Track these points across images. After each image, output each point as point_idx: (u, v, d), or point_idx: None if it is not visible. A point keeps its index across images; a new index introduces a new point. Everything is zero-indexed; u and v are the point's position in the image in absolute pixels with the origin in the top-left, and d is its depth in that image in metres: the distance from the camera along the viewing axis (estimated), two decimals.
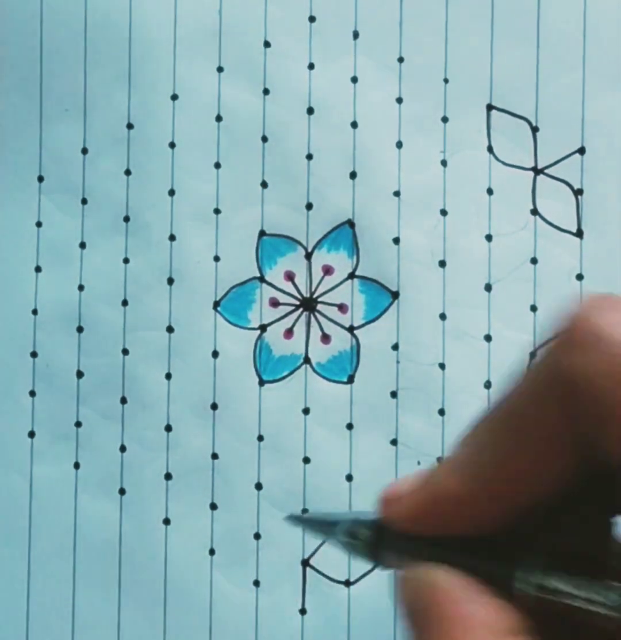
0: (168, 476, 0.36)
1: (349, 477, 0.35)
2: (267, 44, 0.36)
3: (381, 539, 0.28)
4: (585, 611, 0.23)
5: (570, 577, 0.24)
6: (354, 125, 0.35)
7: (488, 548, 0.26)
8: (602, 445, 0.22)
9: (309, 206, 0.36)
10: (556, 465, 0.24)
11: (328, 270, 0.36)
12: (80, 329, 0.37)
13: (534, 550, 0.25)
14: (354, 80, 0.36)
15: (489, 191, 0.35)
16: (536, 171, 0.35)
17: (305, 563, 0.35)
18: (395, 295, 0.35)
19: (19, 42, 0.37)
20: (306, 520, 0.32)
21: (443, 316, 0.35)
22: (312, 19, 0.36)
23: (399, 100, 0.35)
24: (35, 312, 0.37)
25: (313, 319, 0.36)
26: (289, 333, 0.36)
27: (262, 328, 0.36)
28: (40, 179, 0.37)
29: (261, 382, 0.36)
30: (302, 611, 0.35)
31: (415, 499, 0.27)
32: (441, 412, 0.35)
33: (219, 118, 0.36)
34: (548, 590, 0.24)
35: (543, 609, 0.24)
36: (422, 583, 0.27)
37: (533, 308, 0.34)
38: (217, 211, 0.36)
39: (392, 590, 0.28)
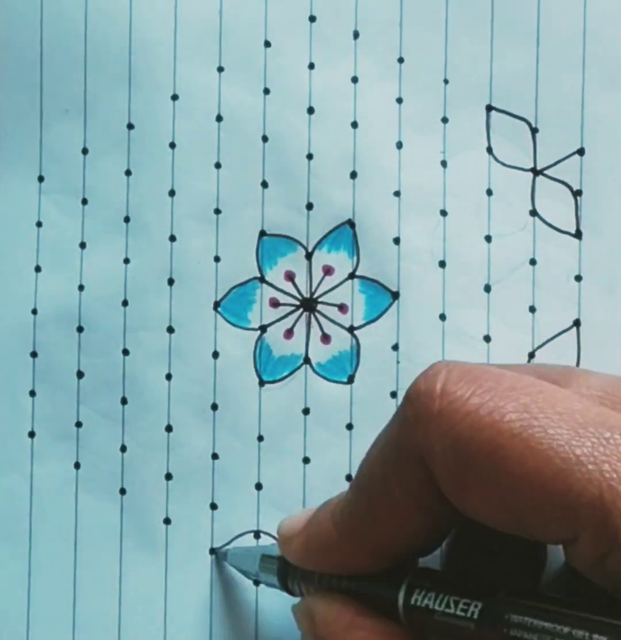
0: (168, 476, 0.36)
1: (349, 478, 0.35)
2: (267, 44, 0.36)
3: (286, 571, 0.30)
4: (449, 625, 0.25)
5: (435, 594, 0.26)
6: (354, 125, 0.36)
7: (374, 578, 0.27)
8: (456, 502, 0.24)
9: (309, 206, 0.36)
10: (420, 520, 0.26)
11: (328, 271, 0.36)
12: (80, 329, 0.37)
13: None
14: (355, 80, 0.36)
15: (489, 192, 0.35)
16: (536, 172, 0.35)
17: None
18: (395, 295, 0.35)
19: (19, 43, 0.37)
20: (229, 556, 0.34)
21: (442, 316, 0.35)
22: (312, 18, 0.36)
23: (399, 101, 0.35)
24: (35, 312, 0.37)
25: (313, 319, 0.36)
26: (289, 333, 0.36)
27: (263, 328, 0.36)
28: (41, 179, 0.37)
29: (261, 383, 0.36)
30: None
31: (301, 539, 0.29)
32: None
33: (219, 118, 0.36)
34: (416, 608, 0.26)
35: (417, 625, 0.26)
36: (304, 612, 0.29)
37: (532, 309, 0.34)
38: (217, 211, 0.36)
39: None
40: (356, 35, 0.36)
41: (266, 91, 0.36)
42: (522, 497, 0.23)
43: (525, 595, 0.25)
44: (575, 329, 0.34)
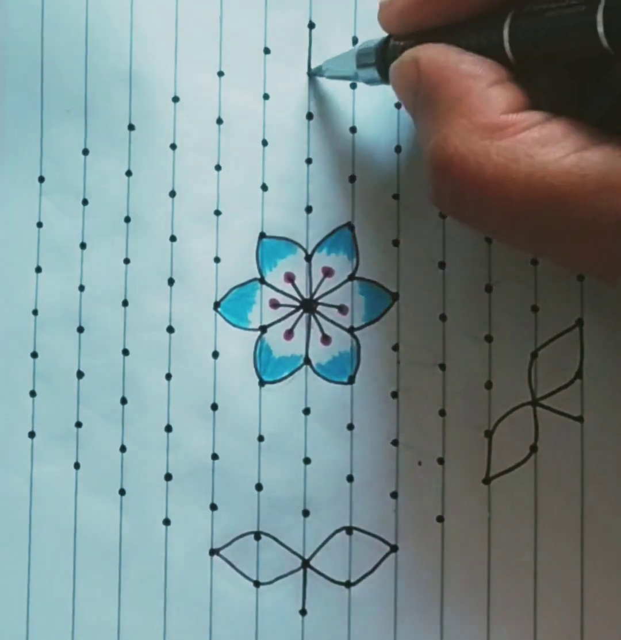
0: (168, 476, 0.36)
1: (349, 478, 0.35)
2: (267, 50, 0.36)
3: (385, 55, 0.30)
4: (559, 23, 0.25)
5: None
6: (353, 130, 0.36)
7: (474, 24, 0.28)
8: None
9: (308, 209, 0.36)
10: None
11: (327, 272, 0.36)
12: (80, 330, 0.37)
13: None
14: (353, 86, 0.36)
15: None
16: None
17: (305, 564, 0.35)
18: (395, 296, 0.35)
19: (20, 43, 0.37)
20: (325, 70, 0.35)
21: (443, 317, 0.35)
22: (311, 25, 0.36)
23: (398, 106, 0.36)
24: (35, 312, 0.37)
25: (313, 320, 0.36)
26: (289, 334, 0.36)
27: (263, 329, 0.36)
28: (41, 179, 0.37)
29: (261, 383, 0.36)
30: (303, 612, 0.35)
31: None
32: (442, 412, 0.35)
33: (219, 121, 0.36)
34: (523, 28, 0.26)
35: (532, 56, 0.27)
36: (410, 59, 0.29)
37: (534, 308, 0.35)
38: (217, 213, 0.36)
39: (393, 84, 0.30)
40: (354, 41, 0.36)
41: (266, 96, 0.36)
42: None
43: None
44: (578, 328, 0.35)
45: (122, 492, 0.36)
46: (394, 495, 0.35)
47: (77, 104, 0.37)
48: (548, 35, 0.26)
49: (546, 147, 0.25)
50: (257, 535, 0.36)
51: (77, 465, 0.36)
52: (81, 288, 0.37)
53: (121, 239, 0.36)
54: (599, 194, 0.24)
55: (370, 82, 0.32)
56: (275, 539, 0.35)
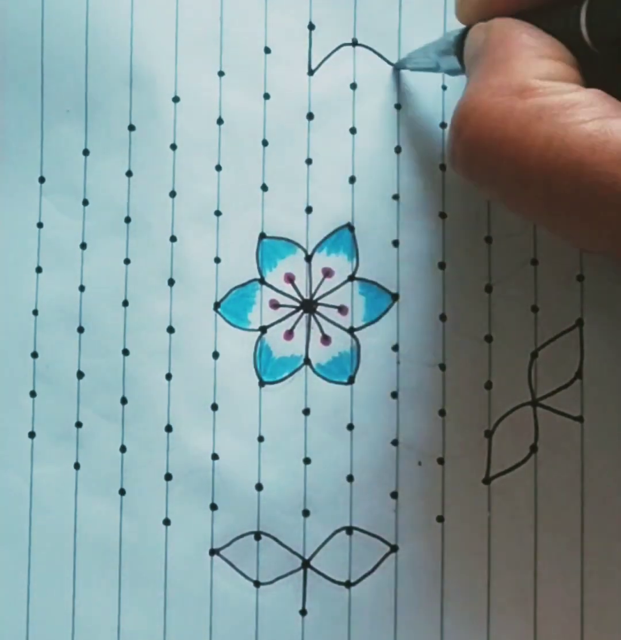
0: (168, 477, 0.36)
1: (350, 478, 0.35)
2: (267, 50, 0.36)
3: (464, 43, 0.30)
4: None
5: None
6: (353, 131, 0.36)
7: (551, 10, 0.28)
8: None
9: (308, 210, 0.36)
10: None
11: (327, 273, 0.36)
12: (80, 330, 0.37)
13: None
14: (354, 86, 0.36)
15: None
16: None
17: (306, 564, 0.35)
18: (395, 297, 0.35)
19: (20, 43, 0.37)
20: (409, 62, 0.35)
21: (443, 317, 0.35)
22: (311, 26, 0.36)
23: (398, 107, 0.36)
24: (35, 312, 0.37)
25: (313, 320, 0.36)
26: (289, 334, 0.36)
27: (263, 329, 0.36)
28: (42, 179, 0.37)
29: (261, 383, 0.36)
30: (303, 612, 0.35)
31: None
32: (442, 412, 0.35)
33: (220, 121, 0.36)
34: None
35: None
36: (484, 27, 0.29)
37: (534, 308, 0.35)
38: (218, 213, 0.36)
39: None
40: (355, 42, 0.36)
41: (266, 96, 0.36)
42: None
43: None
44: (578, 328, 0.35)
45: (122, 492, 0.36)
46: (394, 495, 0.35)
47: (78, 104, 0.37)
48: None
49: (571, 109, 0.25)
50: (258, 535, 0.36)
51: (77, 466, 0.36)
52: (81, 288, 0.37)
53: (121, 239, 0.37)
54: (620, 161, 0.24)
55: (452, 72, 0.32)
56: (275, 539, 0.35)
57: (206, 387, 0.36)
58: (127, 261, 0.36)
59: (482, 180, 0.27)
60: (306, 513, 0.35)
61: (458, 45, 0.31)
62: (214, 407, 0.36)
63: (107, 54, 0.36)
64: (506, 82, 0.26)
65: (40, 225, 0.37)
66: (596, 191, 0.24)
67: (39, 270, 0.37)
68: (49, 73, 0.37)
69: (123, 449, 0.36)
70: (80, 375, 0.37)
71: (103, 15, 0.37)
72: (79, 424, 0.37)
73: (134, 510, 0.36)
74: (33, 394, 0.37)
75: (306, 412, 0.36)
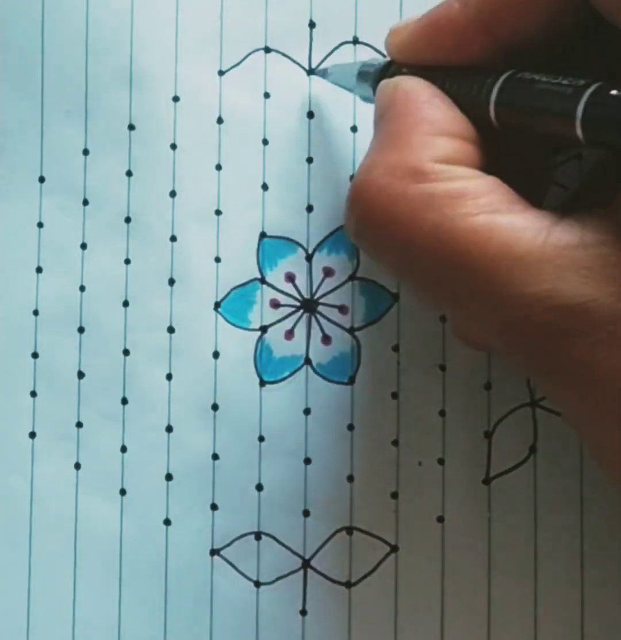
0: (169, 477, 0.36)
1: (350, 478, 0.35)
2: (267, 49, 0.36)
3: (383, 76, 0.30)
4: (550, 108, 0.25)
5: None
6: (353, 129, 0.36)
7: (471, 72, 0.28)
8: None
9: (309, 209, 0.36)
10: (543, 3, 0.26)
11: (328, 272, 0.36)
12: (81, 330, 0.37)
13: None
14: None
15: None
16: None
17: (306, 564, 0.35)
18: (395, 297, 0.35)
19: (20, 43, 0.37)
20: (329, 74, 0.35)
21: (443, 318, 0.35)
22: (312, 24, 0.36)
23: None
24: (36, 312, 0.37)
25: (313, 320, 0.36)
26: (290, 334, 0.36)
27: (263, 329, 0.36)
28: (42, 179, 0.37)
29: (262, 383, 0.36)
30: (303, 612, 0.35)
31: (419, 25, 0.29)
32: (442, 413, 0.35)
33: (220, 120, 0.36)
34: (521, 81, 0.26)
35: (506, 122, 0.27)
36: (392, 85, 0.29)
37: None
38: (218, 213, 0.36)
39: None
40: (355, 40, 0.36)
41: (266, 95, 0.36)
42: None
43: None
44: None
45: (122, 492, 0.36)
46: (394, 495, 0.35)
47: (78, 104, 0.37)
48: (532, 108, 0.26)
49: (460, 200, 0.25)
50: (258, 535, 0.36)
51: (77, 466, 0.37)
52: (82, 288, 0.37)
53: (122, 239, 0.37)
54: (499, 262, 0.24)
55: (366, 99, 0.33)
56: (275, 539, 0.36)
57: (206, 387, 0.36)
58: (127, 261, 0.36)
59: (371, 255, 0.28)
60: (306, 513, 0.35)
61: (377, 78, 0.31)
62: (215, 407, 0.36)
63: (106, 53, 0.36)
64: (401, 162, 0.26)
65: (40, 225, 0.37)
66: (475, 288, 0.24)
67: (39, 270, 0.37)
68: (49, 73, 0.37)
69: (123, 449, 0.36)
70: (80, 375, 0.37)
71: (103, 15, 0.36)
72: (79, 424, 0.37)
73: (134, 510, 0.36)
74: (33, 394, 0.37)
75: (307, 412, 0.36)
